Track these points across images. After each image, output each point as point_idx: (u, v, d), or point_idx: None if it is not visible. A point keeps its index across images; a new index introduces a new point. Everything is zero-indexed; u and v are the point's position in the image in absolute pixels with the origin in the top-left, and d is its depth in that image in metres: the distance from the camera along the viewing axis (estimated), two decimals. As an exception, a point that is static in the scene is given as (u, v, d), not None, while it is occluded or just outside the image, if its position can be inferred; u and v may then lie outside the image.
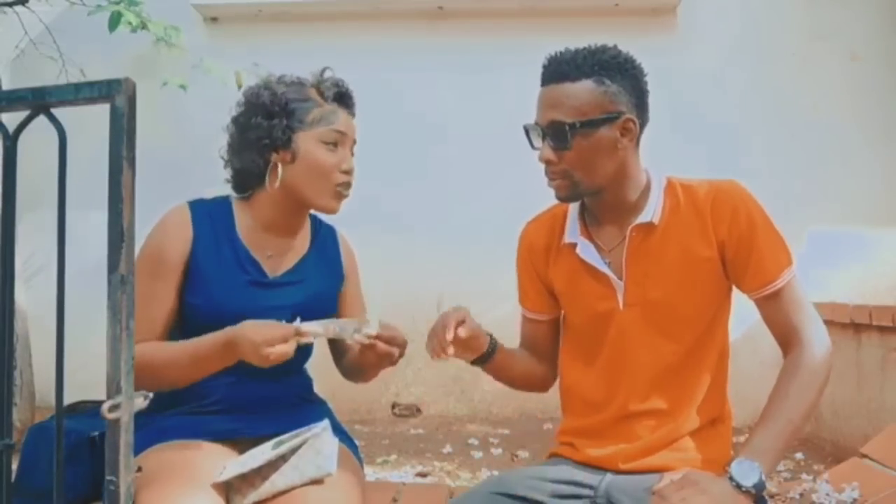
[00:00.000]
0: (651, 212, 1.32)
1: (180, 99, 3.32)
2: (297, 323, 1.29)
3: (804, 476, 2.55)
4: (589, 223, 1.39)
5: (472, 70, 3.70)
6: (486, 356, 1.39)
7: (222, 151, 1.52)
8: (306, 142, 1.44)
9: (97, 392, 1.28)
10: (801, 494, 2.09)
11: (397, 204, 3.67)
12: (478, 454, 3.04)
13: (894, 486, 1.85)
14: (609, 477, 1.31)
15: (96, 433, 1.34)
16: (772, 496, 2.17)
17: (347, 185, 1.47)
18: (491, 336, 1.40)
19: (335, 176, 1.44)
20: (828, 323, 3.37)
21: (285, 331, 1.27)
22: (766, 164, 3.64)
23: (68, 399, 1.01)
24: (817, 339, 1.26)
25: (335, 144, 1.45)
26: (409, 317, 3.68)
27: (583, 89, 1.26)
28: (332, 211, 1.48)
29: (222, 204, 1.51)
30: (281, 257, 1.49)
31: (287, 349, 1.26)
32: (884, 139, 3.67)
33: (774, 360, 1.29)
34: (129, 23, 2.95)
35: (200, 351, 1.31)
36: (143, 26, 3.04)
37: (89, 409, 1.47)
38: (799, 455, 2.97)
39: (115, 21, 2.95)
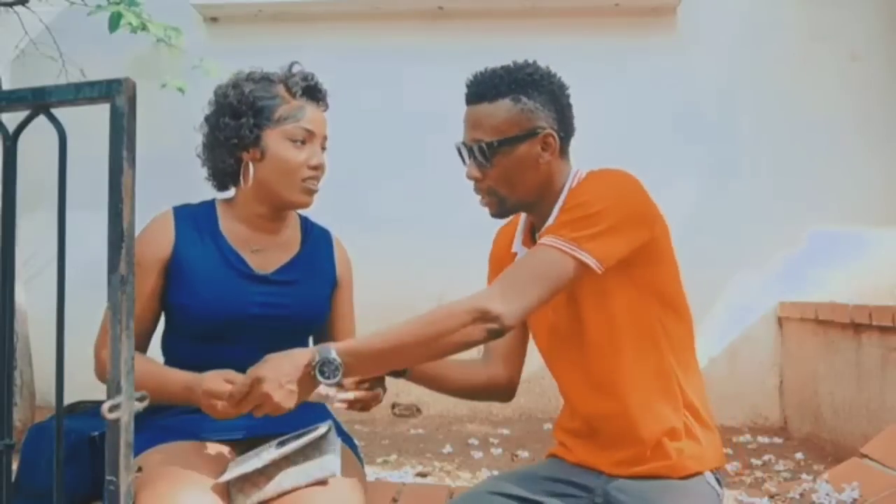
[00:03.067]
0: (554, 216, 1.31)
1: (180, 99, 3.32)
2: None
3: (804, 476, 2.55)
4: (536, 233, 1.39)
5: (472, 70, 3.68)
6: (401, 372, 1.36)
7: (198, 150, 1.53)
8: (274, 139, 1.44)
9: (97, 392, 1.28)
10: (801, 494, 2.09)
11: (397, 204, 3.67)
12: (478, 454, 3.04)
13: (894, 486, 1.85)
14: (605, 478, 1.32)
15: (96, 433, 1.35)
16: (772, 496, 2.17)
17: (315, 180, 1.47)
18: None
19: (302, 172, 1.45)
20: (828, 323, 3.38)
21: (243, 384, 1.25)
22: (766, 164, 3.64)
23: (68, 399, 1.01)
24: (498, 295, 1.17)
25: (303, 141, 1.46)
26: (410, 316, 3.70)
27: (500, 108, 1.29)
28: (303, 206, 1.50)
29: (207, 206, 1.53)
30: (269, 254, 1.50)
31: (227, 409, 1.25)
32: (884, 139, 3.67)
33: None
34: (130, 23, 2.96)
35: (165, 383, 1.33)
36: (144, 27, 3.04)
37: (89, 409, 1.48)
38: (799, 455, 2.97)
39: (115, 21, 2.95)
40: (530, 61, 1.34)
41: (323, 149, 1.50)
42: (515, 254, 1.40)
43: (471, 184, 1.35)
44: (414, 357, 1.24)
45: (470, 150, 1.31)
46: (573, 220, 1.22)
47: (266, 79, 1.48)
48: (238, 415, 1.25)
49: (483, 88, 1.31)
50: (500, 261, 1.45)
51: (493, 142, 1.28)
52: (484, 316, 1.15)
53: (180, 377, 1.34)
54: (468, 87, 1.34)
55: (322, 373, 1.15)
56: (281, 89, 1.47)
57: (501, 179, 1.30)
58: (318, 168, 1.47)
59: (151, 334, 1.49)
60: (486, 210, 1.36)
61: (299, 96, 1.47)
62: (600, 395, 1.32)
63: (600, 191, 1.25)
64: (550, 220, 1.31)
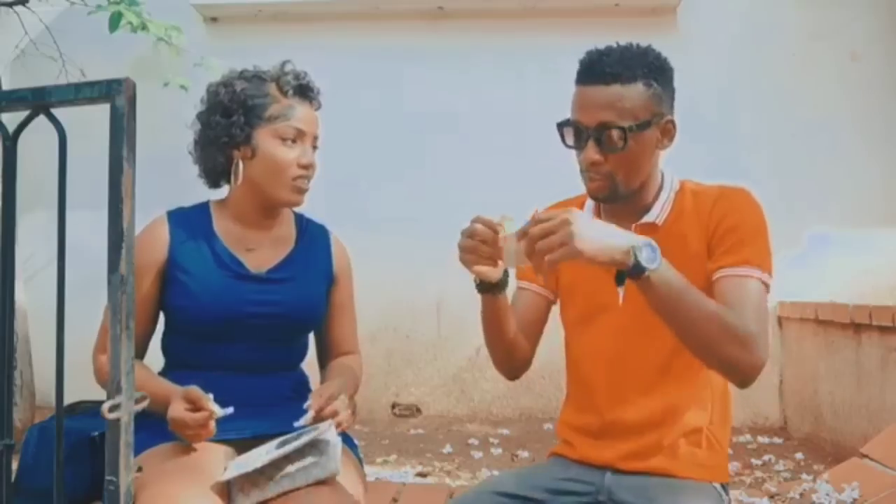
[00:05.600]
0: (656, 213, 1.33)
1: (180, 99, 3.31)
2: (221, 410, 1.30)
3: (804, 476, 2.55)
4: (603, 215, 1.38)
5: (471, 70, 3.70)
6: (500, 284, 1.32)
7: (190, 148, 1.54)
8: (264, 138, 1.45)
9: (97, 392, 1.29)
10: (801, 494, 2.09)
11: (397, 204, 3.67)
12: (478, 454, 3.04)
13: (894, 486, 1.85)
14: (609, 475, 1.31)
15: (96, 433, 1.35)
16: (772, 496, 2.17)
17: (305, 178, 1.48)
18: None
19: (292, 171, 1.46)
20: (828, 323, 3.36)
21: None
22: (766, 164, 3.63)
23: (68, 399, 1.01)
24: (761, 340, 1.18)
25: (293, 140, 1.46)
26: (410, 316, 3.70)
27: (636, 92, 1.25)
28: (293, 204, 1.51)
29: (201, 208, 1.54)
30: (263, 252, 1.50)
31: (196, 434, 1.30)
32: (884, 139, 3.66)
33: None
34: (130, 23, 2.95)
35: (148, 390, 1.29)
36: (144, 27, 3.04)
37: (89, 409, 1.48)
38: (799, 455, 2.97)
39: (115, 21, 2.95)
40: (643, 45, 1.30)
41: (314, 148, 1.51)
42: None
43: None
44: (682, 321, 1.16)
45: (599, 133, 1.25)
46: (761, 249, 1.25)
47: (258, 77, 1.49)
48: (206, 438, 1.29)
49: (618, 69, 1.23)
50: None
51: (631, 125, 1.24)
52: (753, 361, 1.16)
53: (162, 390, 1.34)
54: (592, 65, 1.26)
55: (642, 254, 1.09)
56: (272, 88, 1.48)
57: (624, 165, 1.27)
58: (309, 167, 1.48)
59: (149, 339, 1.51)
60: (591, 191, 1.32)
61: (291, 95, 1.48)
62: (643, 398, 1.31)
63: (752, 210, 1.29)
64: (652, 217, 1.32)
